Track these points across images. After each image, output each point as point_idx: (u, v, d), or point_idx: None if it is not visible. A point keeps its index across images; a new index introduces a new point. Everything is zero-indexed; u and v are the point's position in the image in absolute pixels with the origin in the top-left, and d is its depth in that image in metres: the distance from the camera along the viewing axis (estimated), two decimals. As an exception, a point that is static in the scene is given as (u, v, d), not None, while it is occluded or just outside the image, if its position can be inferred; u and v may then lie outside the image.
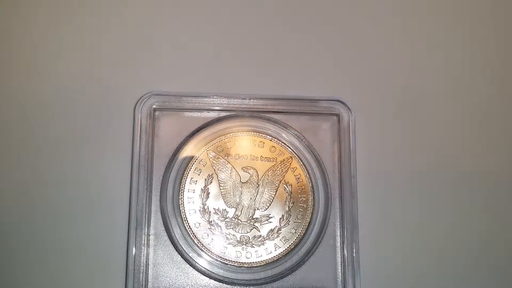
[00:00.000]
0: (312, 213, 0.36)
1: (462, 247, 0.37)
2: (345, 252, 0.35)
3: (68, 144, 0.36)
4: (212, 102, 0.37)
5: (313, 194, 0.37)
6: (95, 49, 0.38)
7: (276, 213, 0.36)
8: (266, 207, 0.36)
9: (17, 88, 0.37)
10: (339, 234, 0.36)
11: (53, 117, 0.37)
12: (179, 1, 0.40)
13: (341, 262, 0.36)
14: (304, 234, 0.36)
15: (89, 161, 0.36)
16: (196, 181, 0.36)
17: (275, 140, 0.37)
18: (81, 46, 0.38)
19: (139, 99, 0.37)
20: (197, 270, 0.35)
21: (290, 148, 0.37)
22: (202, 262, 0.35)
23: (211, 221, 0.36)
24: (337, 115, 0.38)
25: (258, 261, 0.35)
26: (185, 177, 0.36)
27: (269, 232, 0.36)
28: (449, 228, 0.37)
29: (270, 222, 0.36)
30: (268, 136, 0.37)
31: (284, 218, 0.36)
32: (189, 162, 0.36)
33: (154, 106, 0.37)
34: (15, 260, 0.34)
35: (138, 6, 0.40)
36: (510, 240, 0.37)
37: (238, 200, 0.36)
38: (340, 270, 0.36)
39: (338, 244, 0.36)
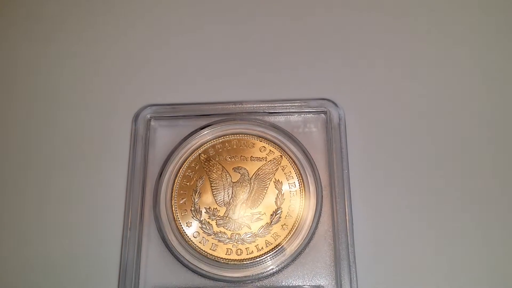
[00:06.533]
0: (303, 209, 0.36)
1: (462, 247, 0.34)
2: (339, 249, 0.34)
3: (70, 151, 0.39)
4: (203, 109, 0.39)
5: (304, 190, 0.36)
6: (98, 66, 0.42)
7: (267, 210, 0.36)
8: (257, 205, 0.36)
9: (17, 102, 0.41)
10: (331, 230, 0.35)
11: (58, 127, 0.40)
12: (170, 13, 0.43)
13: (334, 259, 0.34)
14: (296, 230, 0.35)
15: (89, 168, 0.38)
16: (188, 182, 0.37)
17: (265, 140, 0.38)
18: (83, 61, 0.42)
19: (137, 111, 0.39)
20: (188, 269, 0.35)
21: (280, 147, 0.38)
22: (194, 260, 0.35)
23: (202, 220, 0.36)
24: (326, 113, 0.38)
25: (249, 258, 0.35)
26: (178, 179, 0.37)
27: (260, 228, 0.35)
28: (446, 227, 0.35)
29: (261, 219, 0.36)
30: (258, 138, 0.38)
31: (275, 214, 0.36)
32: (182, 165, 0.37)
33: (149, 116, 0.39)
34: (10, 261, 0.36)
35: (134, 23, 0.43)
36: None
37: (228, 199, 0.36)
38: (334, 267, 0.34)
39: (331, 241, 0.35)
